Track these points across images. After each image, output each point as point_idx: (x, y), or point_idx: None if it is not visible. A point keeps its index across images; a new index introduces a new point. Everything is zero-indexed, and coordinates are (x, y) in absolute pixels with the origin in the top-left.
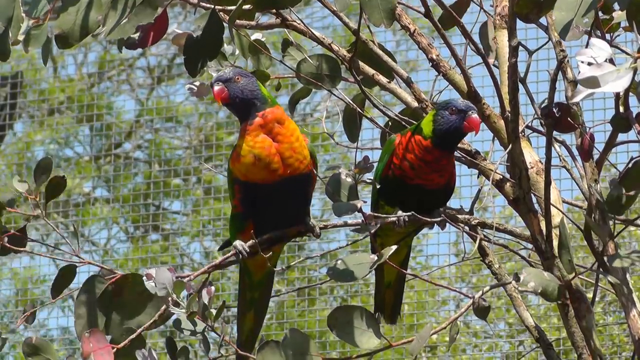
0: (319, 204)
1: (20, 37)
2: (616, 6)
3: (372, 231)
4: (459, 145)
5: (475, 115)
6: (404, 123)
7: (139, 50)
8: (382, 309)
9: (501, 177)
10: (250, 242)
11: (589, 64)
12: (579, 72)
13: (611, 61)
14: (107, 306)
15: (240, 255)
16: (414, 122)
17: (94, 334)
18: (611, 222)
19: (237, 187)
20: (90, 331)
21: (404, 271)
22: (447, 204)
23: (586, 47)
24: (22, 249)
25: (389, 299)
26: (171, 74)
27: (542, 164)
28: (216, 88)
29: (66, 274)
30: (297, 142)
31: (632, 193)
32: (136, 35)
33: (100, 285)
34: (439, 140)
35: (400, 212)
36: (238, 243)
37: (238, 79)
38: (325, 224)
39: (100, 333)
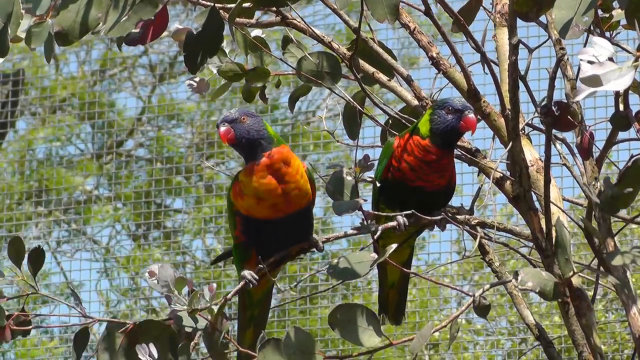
0: (320, 202)
1: (22, 34)
2: (616, 4)
3: (375, 235)
4: (459, 143)
5: (471, 115)
6: (404, 121)
7: (141, 48)
8: (386, 310)
9: (501, 175)
10: (257, 269)
11: (591, 62)
12: (581, 70)
13: (612, 60)
14: (128, 358)
15: (251, 285)
16: (414, 120)
17: None
18: (612, 220)
19: (239, 219)
20: None
21: (406, 270)
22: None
23: (585, 45)
24: (28, 328)
25: (392, 300)
26: (173, 71)
27: (542, 161)
28: (222, 129)
29: (81, 337)
30: (302, 179)
31: (628, 190)
32: (136, 31)
33: (117, 339)
34: (437, 139)
35: (399, 215)
36: (247, 273)
37: (244, 119)
38: (328, 237)
39: None
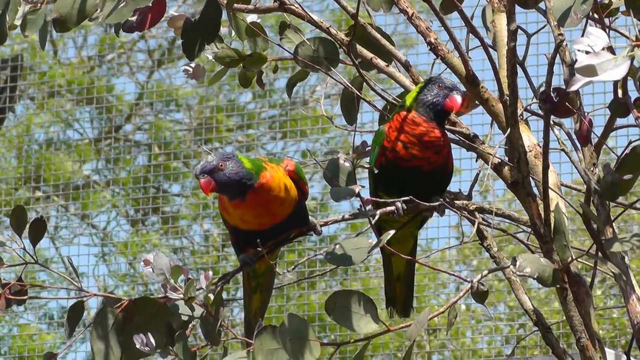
0: (318, 187)
1: (18, 22)
2: None
3: (373, 220)
4: (457, 129)
5: (457, 96)
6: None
7: (139, 32)
8: (394, 303)
9: (500, 160)
10: (255, 251)
11: (586, 52)
12: (576, 60)
13: (609, 48)
14: (121, 333)
15: (248, 268)
16: None
17: None
18: (610, 206)
19: (228, 226)
20: None
21: (405, 257)
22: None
23: (583, 32)
24: (24, 297)
25: (400, 293)
26: (171, 56)
27: (540, 147)
28: (202, 181)
29: (76, 311)
30: (285, 192)
31: (627, 177)
32: (134, 18)
33: (112, 315)
34: (421, 109)
35: (397, 201)
36: (244, 256)
37: (222, 165)
38: (326, 221)
39: None
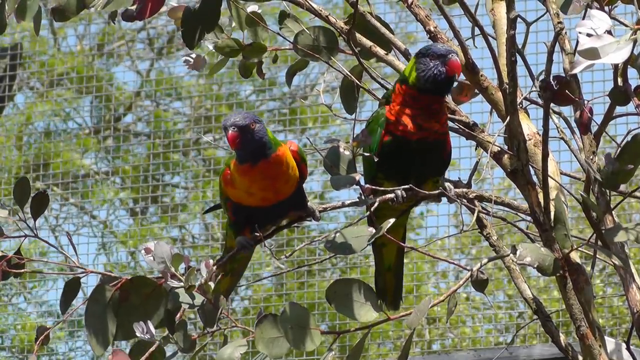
0: (319, 178)
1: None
2: None
3: (372, 207)
4: (457, 117)
5: (455, 58)
6: None
7: (140, 23)
8: (384, 295)
9: (499, 149)
10: (252, 236)
11: (589, 35)
12: (579, 43)
13: (610, 33)
14: (116, 312)
15: (246, 251)
16: None
17: (117, 355)
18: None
19: (230, 205)
20: (113, 351)
21: (402, 244)
22: (446, 175)
23: (583, 18)
24: (22, 271)
25: (390, 284)
26: (172, 46)
27: (540, 135)
28: (231, 133)
29: (72, 287)
30: (292, 170)
31: (629, 167)
32: (134, 7)
33: (108, 292)
34: (424, 86)
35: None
36: (242, 239)
37: (253, 125)
38: (325, 207)
39: (122, 353)
